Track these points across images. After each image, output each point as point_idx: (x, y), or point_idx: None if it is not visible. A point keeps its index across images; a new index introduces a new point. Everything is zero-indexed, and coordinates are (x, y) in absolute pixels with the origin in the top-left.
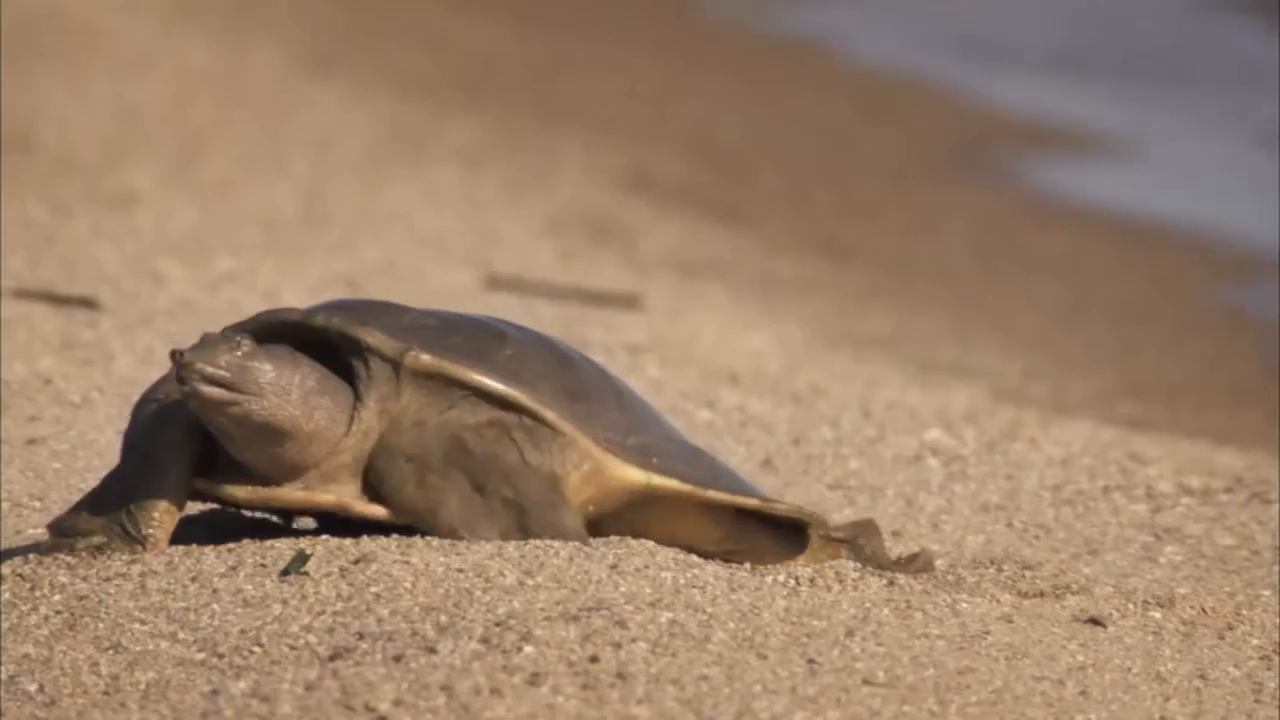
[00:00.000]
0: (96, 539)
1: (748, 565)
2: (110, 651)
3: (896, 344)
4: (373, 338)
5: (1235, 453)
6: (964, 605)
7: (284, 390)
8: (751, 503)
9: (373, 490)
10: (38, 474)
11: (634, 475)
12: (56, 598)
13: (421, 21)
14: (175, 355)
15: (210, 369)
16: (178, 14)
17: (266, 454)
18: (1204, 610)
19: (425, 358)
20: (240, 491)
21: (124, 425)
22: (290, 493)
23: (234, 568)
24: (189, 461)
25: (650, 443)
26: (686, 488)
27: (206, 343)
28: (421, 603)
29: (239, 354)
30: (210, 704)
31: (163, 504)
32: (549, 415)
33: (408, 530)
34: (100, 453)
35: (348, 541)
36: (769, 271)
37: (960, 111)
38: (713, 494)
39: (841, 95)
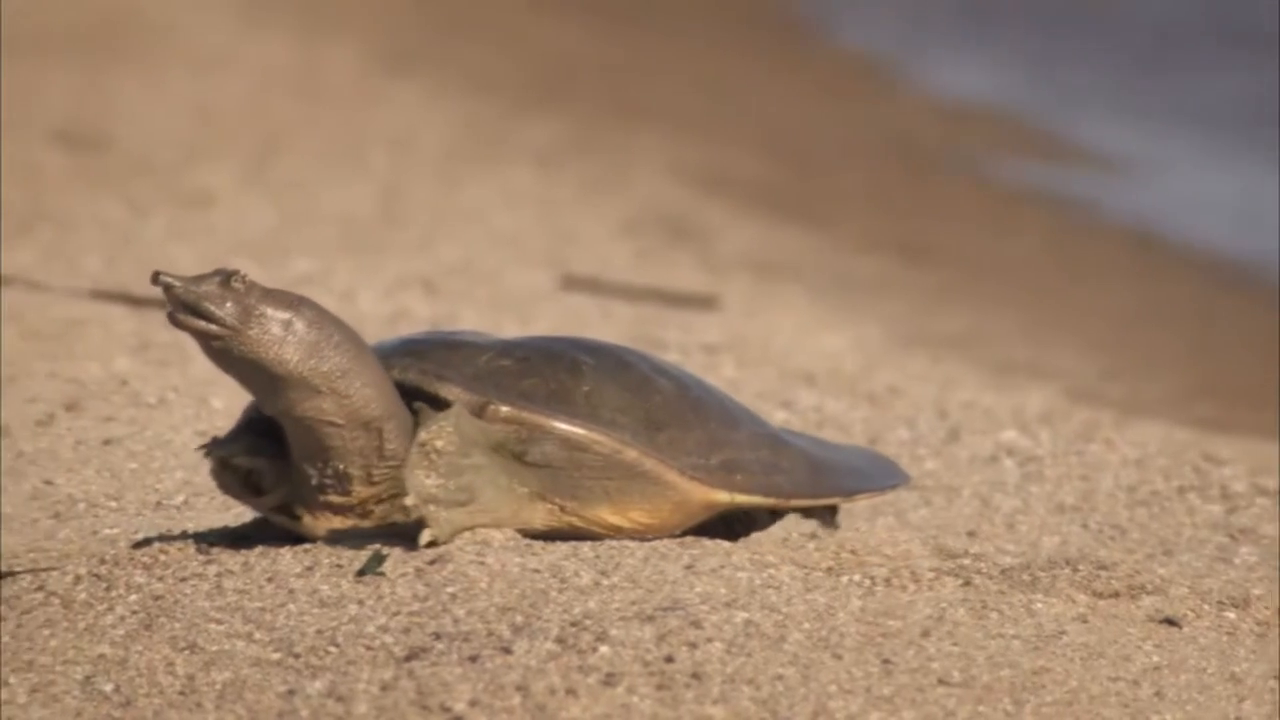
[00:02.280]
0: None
1: (824, 566)
2: (186, 652)
3: (972, 344)
4: (451, 393)
5: None
6: (1039, 605)
7: (268, 330)
8: (834, 502)
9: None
10: (114, 474)
11: (719, 497)
12: (133, 598)
13: (499, 20)
14: (156, 276)
15: (187, 295)
16: (254, 12)
17: (282, 404)
18: (1279, 611)
19: (505, 409)
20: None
21: (200, 426)
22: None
23: (310, 568)
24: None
25: (734, 457)
26: (770, 501)
27: (206, 275)
28: (497, 603)
29: (232, 287)
30: (286, 704)
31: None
32: (631, 455)
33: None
34: (176, 453)
35: None
36: (845, 271)
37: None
38: (795, 502)
39: (915, 100)
